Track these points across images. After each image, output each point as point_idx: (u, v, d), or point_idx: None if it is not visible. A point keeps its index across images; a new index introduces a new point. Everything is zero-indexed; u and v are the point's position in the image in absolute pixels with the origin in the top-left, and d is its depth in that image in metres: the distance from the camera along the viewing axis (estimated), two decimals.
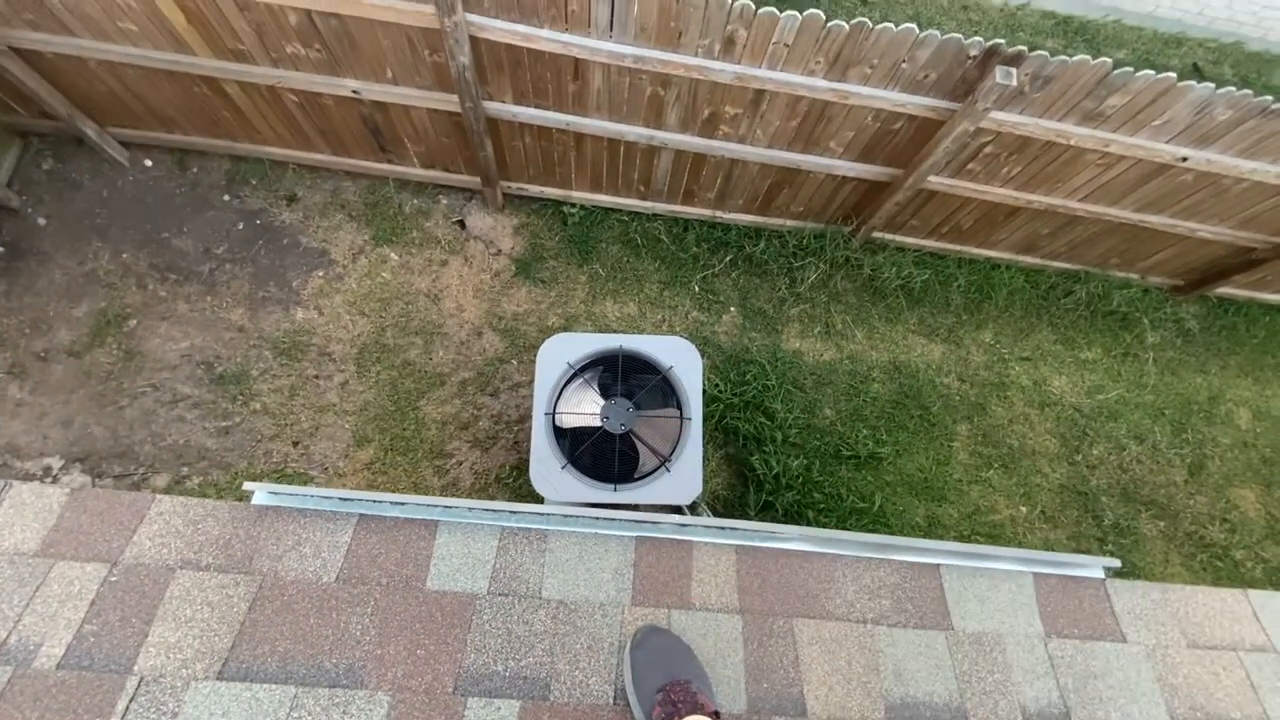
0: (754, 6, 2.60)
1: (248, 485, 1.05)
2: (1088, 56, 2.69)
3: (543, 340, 2.85)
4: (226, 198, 4.10)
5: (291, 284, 3.98)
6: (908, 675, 1.05)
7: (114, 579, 0.94)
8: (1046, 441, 4.14)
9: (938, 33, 2.64)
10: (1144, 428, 4.24)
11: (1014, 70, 2.70)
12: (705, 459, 3.85)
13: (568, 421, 2.93)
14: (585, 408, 2.95)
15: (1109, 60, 2.68)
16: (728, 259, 4.20)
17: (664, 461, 2.85)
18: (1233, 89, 2.77)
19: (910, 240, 4.19)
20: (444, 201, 4.22)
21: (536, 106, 3.33)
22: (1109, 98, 2.86)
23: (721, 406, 3.87)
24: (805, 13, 2.61)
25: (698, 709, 0.85)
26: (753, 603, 1.08)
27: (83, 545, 0.96)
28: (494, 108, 3.33)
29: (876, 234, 4.14)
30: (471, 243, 4.17)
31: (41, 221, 3.89)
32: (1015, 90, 2.84)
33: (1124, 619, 1.17)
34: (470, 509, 1.08)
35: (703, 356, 4.06)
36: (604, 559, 1.08)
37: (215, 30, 2.99)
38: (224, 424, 3.66)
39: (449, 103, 3.29)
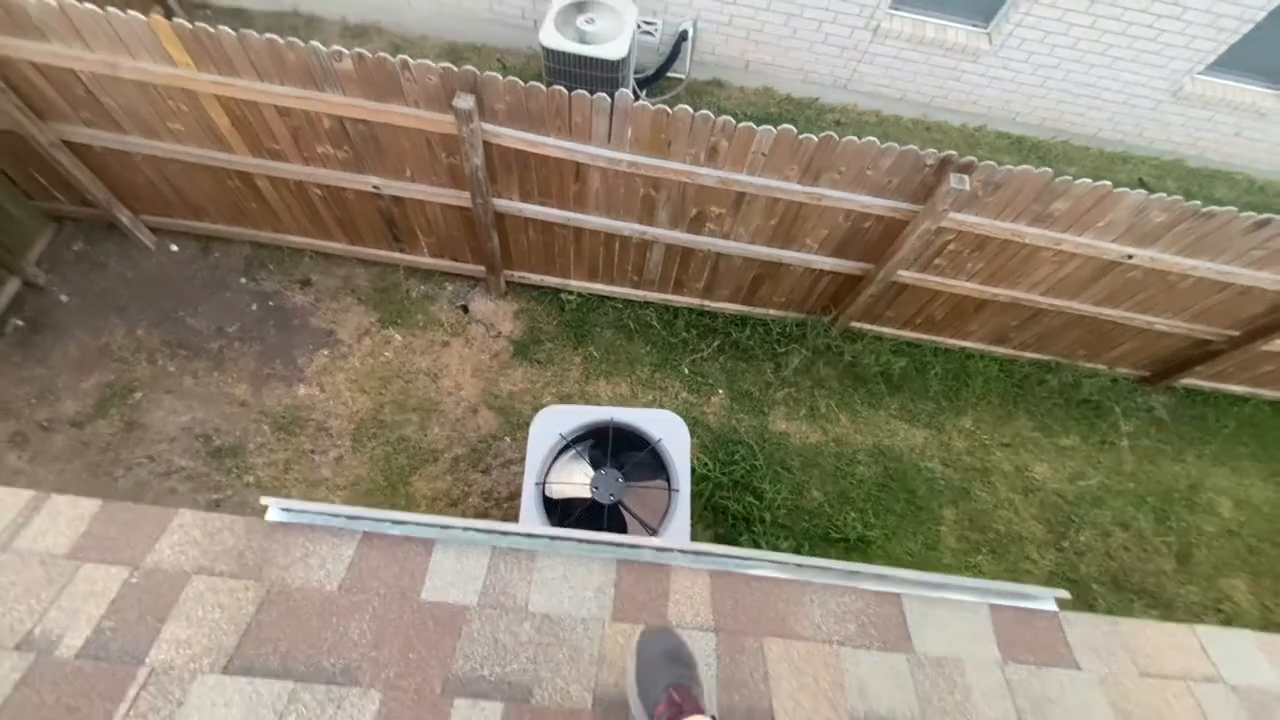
0: (734, 121, 2.96)
1: (264, 500, 1.15)
2: (1031, 166, 3.03)
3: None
4: (244, 280, 4.35)
5: (297, 361, 4.14)
6: (872, 693, 1.10)
7: (134, 581, 1.02)
8: (1033, 527, 4.18)
9: (896, 144, 3.00)
10: (1128, 515, 4.29)
11: (966, 177, 3.03)
12: (694, 537, 3.87)
13: (558, 492, 2.99)
14: (576, 478, 3.03)
15: (1049, 170, 3.03)
16: (715, 344, 4.42)
17: (652, 533, 2.89)
18: (1164, 195, 3.10)
19: (887, 330, 4.44)
20: (449, 288, 4.48)
21: (541, 204, 3.65)
22: (1054, 202, 3.19)
23: (710, 485, 3.93)
24: (779, 126, 2.97)
25: (699, 711, 0.89)
26: (726, 622, 1.15)
27: (108, 550, 1.05)
28: (502, 204, 3.64)
29: (855, 324, 4.39)
30: (473, 326, 4.39)
31: (64, 298, 4.10)
32: (970, 195, 3.17)
33: (1077, 648, 1.23)
34: (465, 529, 1.17)
35: (692, 435, 4.18)
36: (587, 579, 1.16)
37: (255, 132, 3.34)
38: (215, 496, 3.68)
39: (461, 199, 3.61)
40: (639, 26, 5.04)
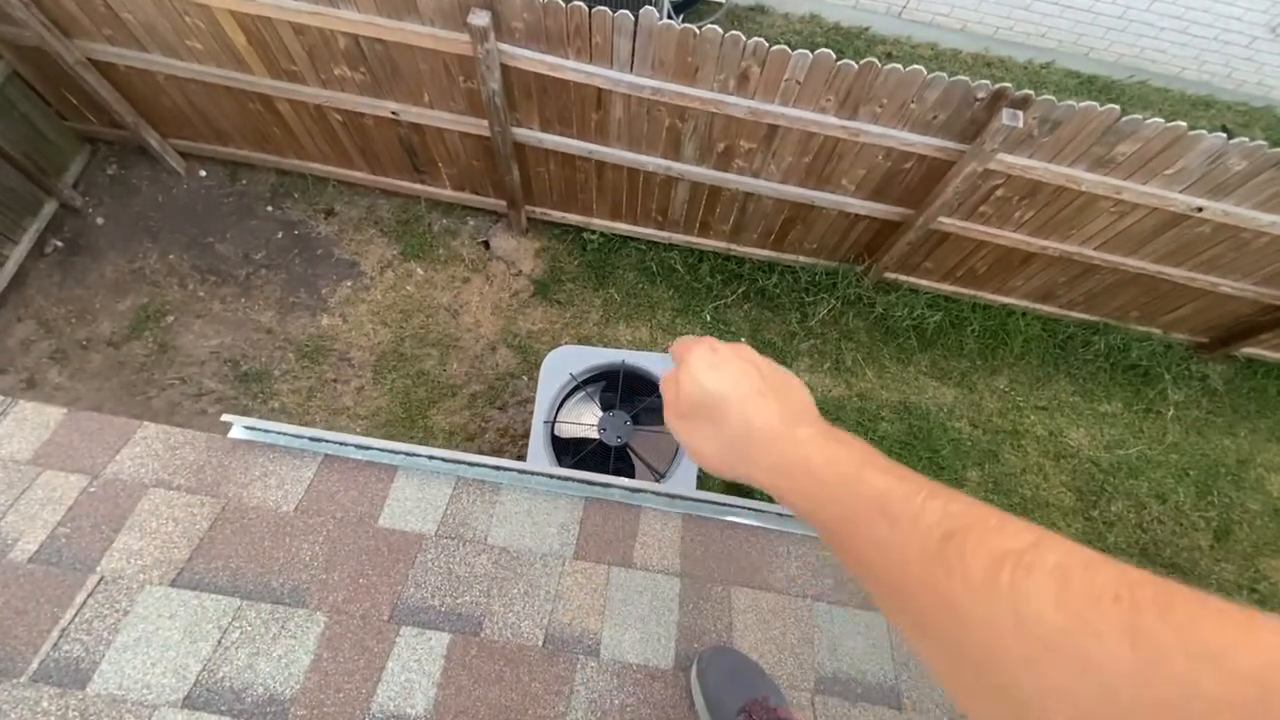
0: (767, 44, 2.73)
1: (226, 417, 1.13)
2: (1095, 103, 2.74)
3: None
4: (270, 208, 4.35)
5: (321, 291, 4.17)
6: (843, 651, 1.04)
7: (92, 490, 1.01)
8: (1061, 494, 4.02)
9: (945, 75, 2.74)
10: (1166, 487, 4.08)
11: (1020, 113, 2.76)
12: (707, 488, 3.84)
13: (566, 431, 2.98)
14: (585, 419, 3.00)
15: (1117, 107, 2.73)
16: (740, 291, 4.27)
17: (659, 477, 2.86)
18: (1246, 139, 2.78)
19: (924, 282, 4.21)
20: (471, 223, 4.40)
21: (561, 134, 3.50)
22: (1119, 144, 2.90)
23: None
24: (816, 51, 2.73)
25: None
26: (693, 568, 1.10)
27: (69, 458, 1.04)
28: (522, 134, 3.51)
29: (889, 274, 4.17)
30: (494, 263, 4.33)
31: (100, 221, 4.18)
32: (1023, 133, 2.90)
33: None
34: (430, 457, 1.13)
35: None
36: (552, 514, 1.11)
37: (272, 51, 3.26)
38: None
39: (480, 127, 3.48)
40: None
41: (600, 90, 3.12)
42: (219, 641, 0.90)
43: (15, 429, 1.06)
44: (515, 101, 3.30)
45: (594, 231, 4.25)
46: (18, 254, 3.83)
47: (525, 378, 4.05)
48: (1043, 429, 4.19)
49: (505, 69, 3.07)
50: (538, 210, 4.19)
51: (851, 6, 4.91)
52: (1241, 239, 3.33)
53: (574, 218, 4.20)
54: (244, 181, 4.39)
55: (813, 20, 5.10)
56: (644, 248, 4.30)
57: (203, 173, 4.37)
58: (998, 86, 2.76)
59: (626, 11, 2.72)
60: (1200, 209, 3.13)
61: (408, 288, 4.23)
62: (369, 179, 4.24)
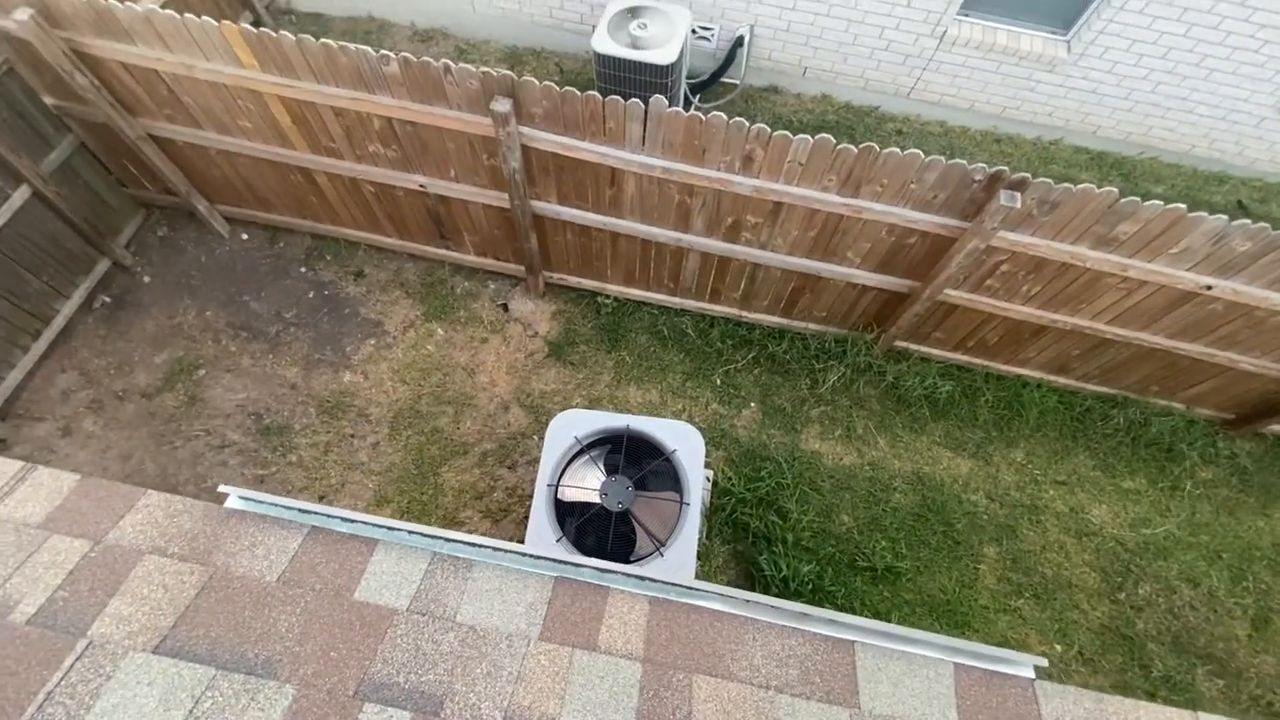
0: (769, 130, 2.88)
1: (223, 488, 1.20)
2: (1093, 185, 2.80)
3: None
4: (304, 269, 4.60)
5: (345, 349, 4.34)
6: None
7: (93, 555, 1.09)
8: (1085, 574, 3.86)
9: (942, 158, 2.84)
10: (1198, 571, 3.89)
11: (1018, 194, 2.84)
12: (712, 554, 3.80)
13: (569, 495, 3.00)
14: (589, 483, 3.03)
15: (1115, 190, 2.79)
16: (750, 356, 4.32)
17: (659, 546, 2.85)
18: (1248, 221, 2.80)
19: (935, 351, 4.22)
20: (491, 286, 4.58)
21: (577, 207, 3.67)
22: (1120, 224, 2.94)
23: (733, 501, 3.85)
24: (817, 136, 2.87)
25: None
26: (657, 653, 1.11)
27: (76, 523, 1.12)
28: (540, 206, 3.69)
29: (900, 343, 4.19)
30: (512, 324, 4.47)
31: (146, 279, 4.46)
32: (1023, 212, 2.97)
33: None
34: (410, 532, 1.18)
35: (719, 448, 4.11)
36: (521, 593, 1.15)
37: (313, 130, 3.53)
38: (260, 472, 3.90)
39: (501, 200, 3.68)
40: (694, 31, 5.00)
41: (614, 169, 3.29)
42: (190, 711, 0.94)
43: (31, 494, 1.15)
44: (534, 177, 3.50)
45: (608, 296, 4.38)
46: (67, 309, 4.10)
47: (536, 437, 4.11)
48: (1063, 504, 4.07)
49: (525, 149, 3.27)
50: (555, 275, 4.35)
51: (861, 87, 5.12)
52: (1255, 317, 3.29)
53: (589, 283, 4.34)
54: (281, 244, 4.66)
55: (824, 100, 5.33)
56: (656, 312, 4.41)
57: (244, 236, 4.66)
58: (995, 169, 2.85)
59: (637, 99, 2.90)
60: (1209, 287, 3.13)
61: (428, 347, 4.37)
62: (397, 244, 4.47)
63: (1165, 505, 4.10)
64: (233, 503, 1.20)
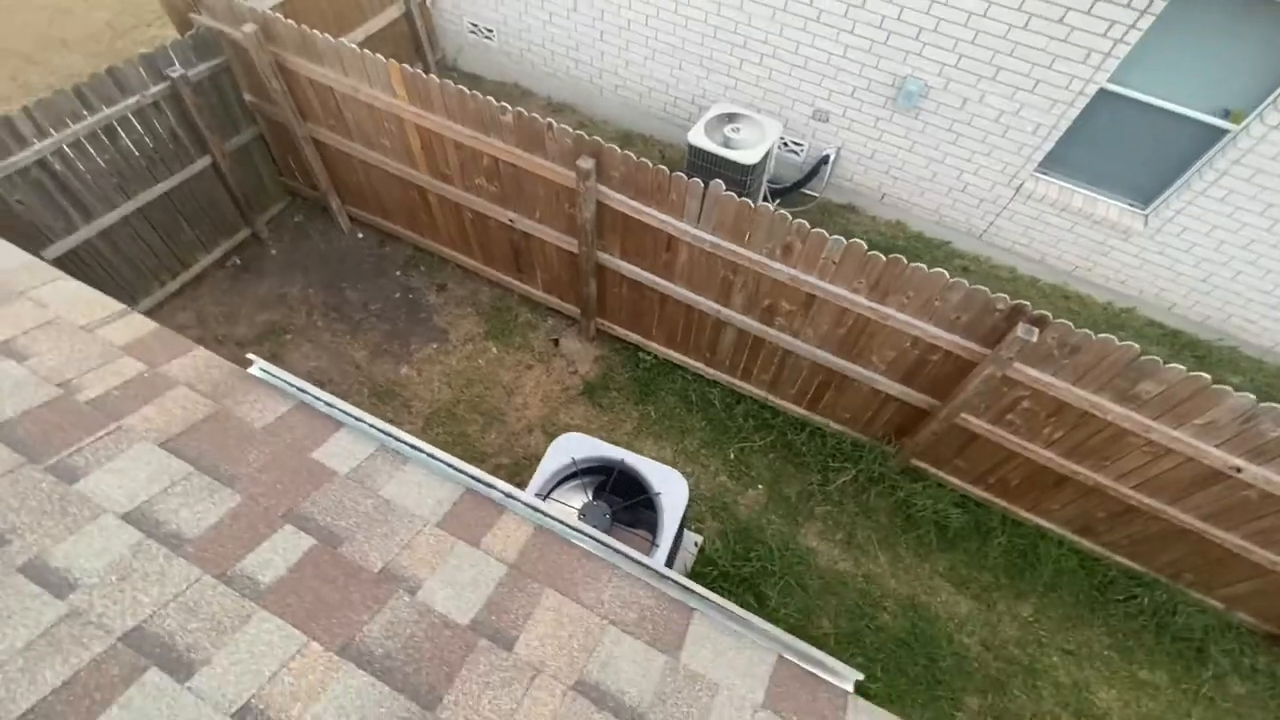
0: (808, 225, 3.19)
1: (251, 355, 1.55)
2: (1113, 337, 2.87)
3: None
4: (398, 273, 5.25)
5: (410, 347, 4.85)
6: (613, 669, 1.17)
7: (145, 375, 1.45)
8: None
9: (965, 281, 3.02)
10: None
11: (1036, 329, 2.94)
12: None
13: (552, 510, 3.20)
14: (572, 503, 3.22)
15: (1135, 345, 2.84)
16: (769, 439, 4.44)
17: None
18: (1276, 405, 2.75)
19: (954, 479, 4.17)
20: (549, 321, 5.02)
21: (635, 264, 4.08)
22: (1141, 381, 2.95)
23: (715, 573, 3.88)
24: (850, 240, 3.14)
25: None
26: (523, 564, 1.30)
27: (143, 353, 1.49)
28: (604, 257, 4.13)
29: (919, 462, 4.18)
30: (558, 359, 4.85)
31: (273, 252, 5.24)
32: (1045, 351, 3.05)
33: None
34: (371, 425, 1.47)
35: (715, 520, 4.19)
36: (436, 491, 1.38)
37: (436, 157, 4.19)
38: None
39: (572, 245, 4.15)
40: (784, 143, 5.50)
41: (671, 236, 3.68)
42: (166, 488, 1.25)
43: (124, 328, 1.55)
44: (603, 231, 3.95)
45: (648, 353, 4.69)
46: (205, 261, 4.89)
47: None
48: (1066, 675, 3.78)
49: (599, 204, 3.73)
50: (605, 323, 4.73)
51: (935, 221, 5.38)
52: None
53: (634, 337, 4.68)
54: (388, 249, 5.36)
55: (898, 226, 5.61)
56: (689, 378, 4.65)
57: (360, 235, 5.41)
58: (1016, 302, 2.98)
59: (699, 180, 3.31)
60: (1239, 469, 3.02)
61: (480, 361, 4.81)
62: (480, 268, 5.03)
63: (1186, 710, 3.72)
64: (254, 370, 1.55)
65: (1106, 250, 4.86)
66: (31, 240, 3.72)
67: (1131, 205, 4.70)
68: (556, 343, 4.92)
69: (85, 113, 3.74)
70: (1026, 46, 4.15)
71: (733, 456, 4.41)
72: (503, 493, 1.40)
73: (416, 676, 1.10)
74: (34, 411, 1.32)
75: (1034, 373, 3.18)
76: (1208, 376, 2.80)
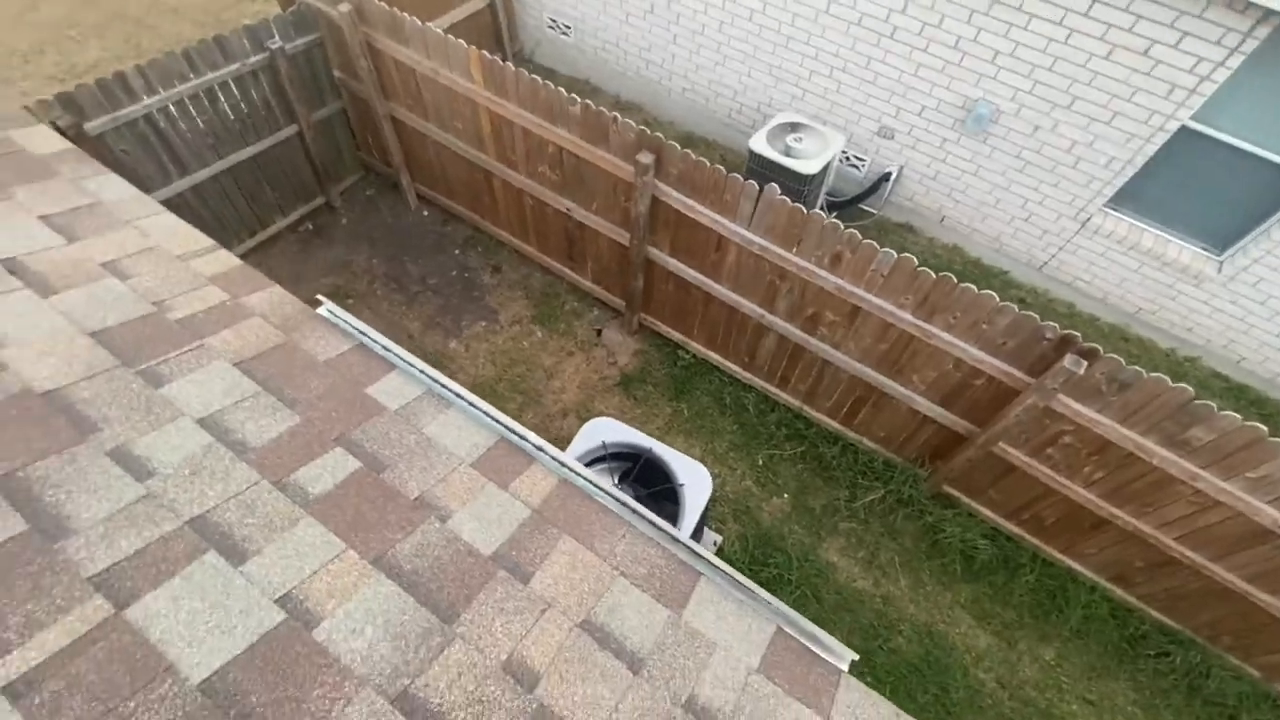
0: (860, 236, 3.20)
1: (320, 297, 1.69)
2: (1166, 377, 2.79)
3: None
4: (457, 252, 5.46)
5: (461, 323, 5.04)
6: (619, 615, 1.24)
7: (227, 304, 1.61)
8: None
9: (1014, 306, 2.98)
10: None
11: (1084, 362, 2.88)
12: None
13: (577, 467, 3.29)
14: None
15: (1189, 388, 2.76)
16: (799, 450, 4.43)
17: None
18: None
19: (986, 511, 4.08)
20: (595, 311, 5.14)
21: (684, 262, 4.15)
22: (1192, 427, 2.85)
23: None
24: (901, 254, 3.14)
25: None
26: (545, 510, 1.38)
27: (227, 284, 1.66)
28: (653, 253, 4.21)
29: (951, 489, 4.11)
30: (599, 348, 4.96)
31: (344, 221, 5.53)
32: (1093, 386, 2.99)
33: (838, 709, 1.21)
34: (421, 370, 1.59)
35: (738, 524, 4.21)
36: (475, 435, 1.49)
37: (504, 142, 4.36)
38: None
39: (624, 238, 4.26)
40: (845, 157, 5.49)
41: (721, 236, 3.74)
42: (237, 401, 1.39)
43: (213, 261, 1.72)
44: (655, 226, 4.03)
45: (688, 351, 4.75)
46: (280, 224, 5.19)
47: None
48: None
49: (654, 200, 3.82)
50: (649, 318, 4.82)
51: (994, 249, 5.27)
52: None
53: (676, 334, 4.75)
54: (449, 227, 5.58)
55: (955, 250, 5.52)
56: (725, 380, 4.69)
57: (425, 212, 5.65)
58: (1066, 332, 2.93)
59: (753, 182, 3.37)
60: None
61: (524, 343, 4.96)
62: (534, 253, 5.19)
63: None
64: (322, 311, 1.69)
65: (1175, 294, 4.68)
66: None
67: (1205, 250, 4.51)
68: (599, 333, 5.03)
69: (191, 75, 4.05)
70: (1107, 77, 4.05)
71: (761, 462, 4.43)
72: (534, 445, 1.50)
73: (439, 593, 1.20)
74: (131, 323, 1.49)
75: (1079, 407, 3.11)
76: (1263, 427, 2.70)
